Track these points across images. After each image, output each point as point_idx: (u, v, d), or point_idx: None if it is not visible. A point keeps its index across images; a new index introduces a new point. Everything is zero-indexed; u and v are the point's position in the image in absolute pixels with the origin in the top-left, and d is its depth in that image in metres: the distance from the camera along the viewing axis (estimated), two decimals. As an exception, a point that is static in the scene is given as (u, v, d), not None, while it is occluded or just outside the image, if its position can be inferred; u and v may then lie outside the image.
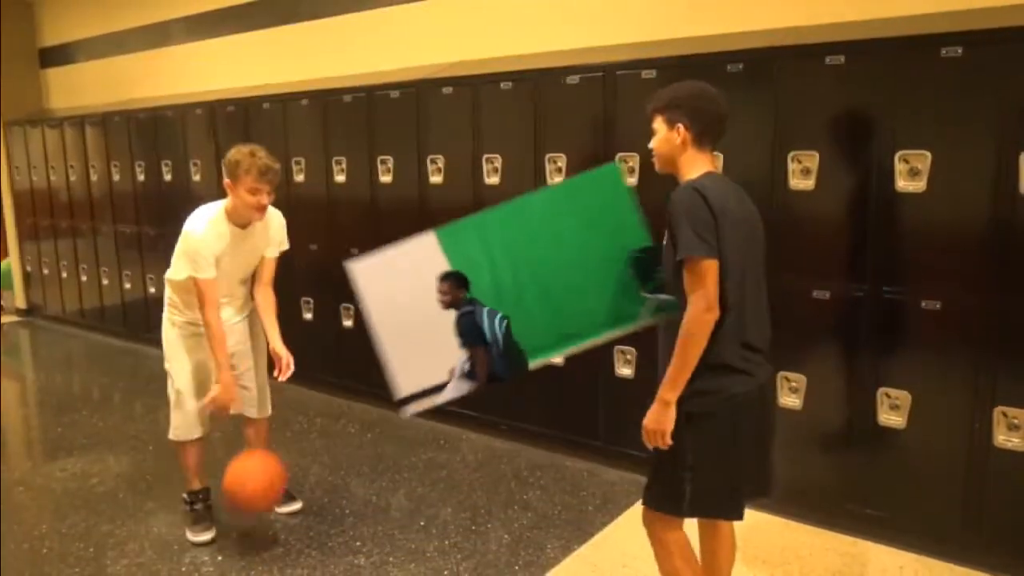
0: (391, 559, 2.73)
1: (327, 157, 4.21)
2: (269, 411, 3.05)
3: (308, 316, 4.45)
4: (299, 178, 4.34)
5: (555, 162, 3.34)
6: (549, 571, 2.64)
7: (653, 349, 3.25)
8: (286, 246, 2.91)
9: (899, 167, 2.56)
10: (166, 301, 2.88)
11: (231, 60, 5.26)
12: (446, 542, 2.83)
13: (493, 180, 3.56)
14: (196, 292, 2.67)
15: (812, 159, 2.71)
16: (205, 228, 2.66)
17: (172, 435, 2.91)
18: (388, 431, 3.94)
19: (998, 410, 2.49)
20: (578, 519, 3.00)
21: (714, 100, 1.87)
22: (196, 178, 4.93)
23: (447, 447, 3.74)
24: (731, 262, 1.76)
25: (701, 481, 1.85)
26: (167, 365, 2.88)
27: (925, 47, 2.49)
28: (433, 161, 3.77)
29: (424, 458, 3.62)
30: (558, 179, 3.33)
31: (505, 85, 3.47)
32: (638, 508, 3.10)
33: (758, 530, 2.84)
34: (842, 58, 2.63)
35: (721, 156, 2.89)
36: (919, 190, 2.54)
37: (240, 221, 2.71)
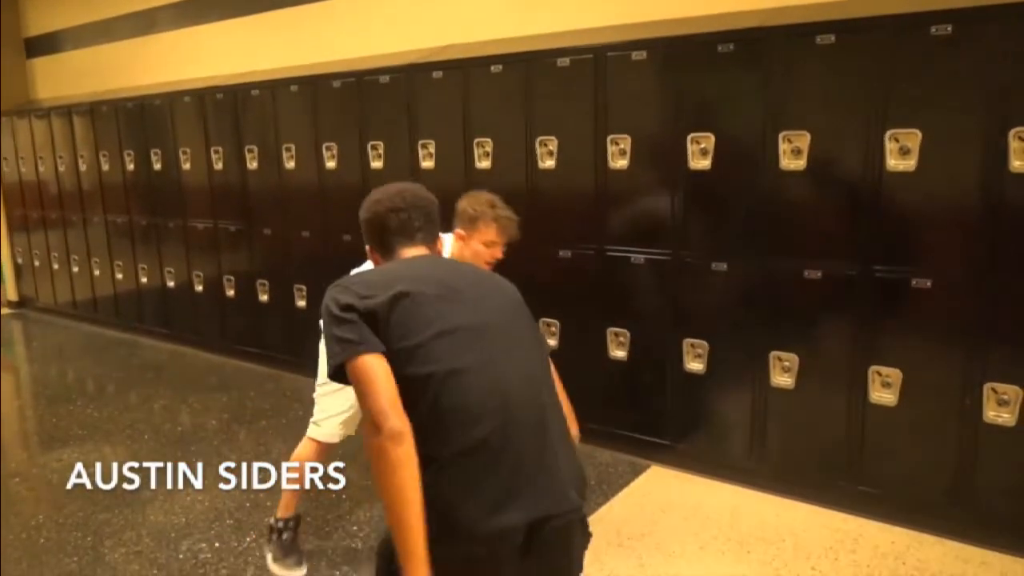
0: (388, 543, 2.74)
1: (317, 143, 4.18)
2: None
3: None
4: (290, 165, 4.31)
5: (546, 145, 3.33)
6: (546, 552, 2.66)
7: (661, 327, 3.27)
8: None
9: (889, 146, 2.56)
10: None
11: (219, 47, 5.20)
12: (443, 525, 2.85)
13: (484, 164, 3.54)
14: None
15: (803, 139, 2.71)
16: None
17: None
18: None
19: (988, 386, 2.51)
20: (574, 501, 3.01)
21: (381, 202, 1.60)
22: (186, 167, 4.88)
23: (443, 432, 3.74)
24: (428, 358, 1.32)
25: None
26: None
27: (915, 25, 2.49)
28: (424, 146, 3.76)
29: (420, 443, 3.62)
30: (549, 162, 3.33)
31: (495, 68, 3.46)
32: (633, 488, 3.15)
33: (752, 508, 2.87)
34: (832, 37, 2.62)
35: (713, 137, 2.89)
36: (909, 169, 2.54)
37: None
